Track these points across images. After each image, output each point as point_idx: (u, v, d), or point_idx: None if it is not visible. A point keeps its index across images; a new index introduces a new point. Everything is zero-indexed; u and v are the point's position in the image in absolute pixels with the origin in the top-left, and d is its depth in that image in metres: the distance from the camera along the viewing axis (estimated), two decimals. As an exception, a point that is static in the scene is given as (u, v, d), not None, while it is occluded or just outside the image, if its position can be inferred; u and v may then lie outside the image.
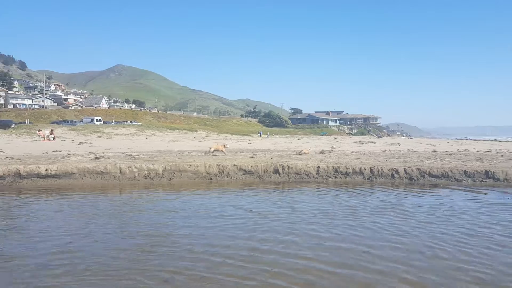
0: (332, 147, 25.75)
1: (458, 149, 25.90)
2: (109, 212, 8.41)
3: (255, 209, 8.60)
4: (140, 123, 72.67)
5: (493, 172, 12.94)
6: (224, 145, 19.51)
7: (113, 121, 74.52)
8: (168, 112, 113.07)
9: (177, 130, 69.99)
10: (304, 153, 18.11)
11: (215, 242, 6.18)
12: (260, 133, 79.75)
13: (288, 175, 13.44)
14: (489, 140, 74.32)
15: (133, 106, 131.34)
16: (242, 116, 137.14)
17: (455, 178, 12.88)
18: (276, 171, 13.59)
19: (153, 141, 38.28)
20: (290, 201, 9.65)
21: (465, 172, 13.09)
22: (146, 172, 13.10)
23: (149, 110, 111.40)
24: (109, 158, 15.44)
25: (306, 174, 13.46)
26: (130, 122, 74.81)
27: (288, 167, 13.67)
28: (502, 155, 19.41)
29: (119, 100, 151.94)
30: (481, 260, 5.32)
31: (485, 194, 10.66)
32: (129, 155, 16.89)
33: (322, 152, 20.41)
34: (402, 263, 5.27)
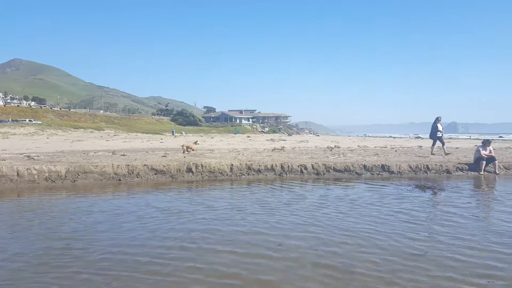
0: (245, 148, 26.27)
1: (358, 145, 28.07)
2: (6, 217, 7.68)
3: (167, 208, 8.48)
4: (41, 122, 67.21)
5: (388, 165, 14.27)
6: (195, 142, 20.59)
7: (10, 119, 68.08)
8: (72, 110, 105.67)
9: (82, 129, 65.96)
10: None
11: (122, 243, 5.99)
12: (173, 132, 78.23)
13: (201, 174, 13.44)
14: (385, 137, 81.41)
15: (33, 103, 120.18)
16: (153, 114, 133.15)
17: (356, 172, 13.97)
18: (189, 170, 13.51)
19: (55, 141, 35.63)
20: (203, 199, 9.67)
21: (364, 166, 14.25)
22: (47, 174, 12.16)
23: (51, 108, 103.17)
24: (4, 160, 14.07)
25: (220, 172, 13.57)
26: (29, 120, 68.93)
27: (202, 165, 13.67)
28: (396, 150, 21.46)
29: (17, 97, 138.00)
30: (387, 244, 5.87)
31: (384, 186, 11.71)
32: (28, 156, 15.54)
33: (235, 150, 20.73)
34: (315, 249, 5.61)
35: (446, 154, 17.76)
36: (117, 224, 7.21)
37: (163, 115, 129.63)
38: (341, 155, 17.76)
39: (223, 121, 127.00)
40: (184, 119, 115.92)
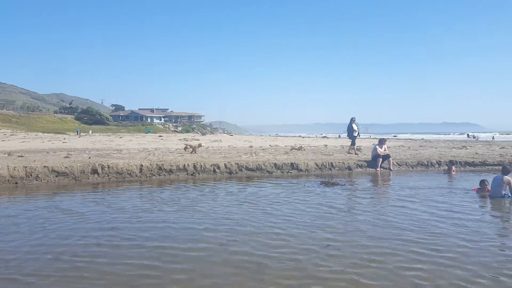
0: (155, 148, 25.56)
1: (270, 145, 28.92)
2: None
3: (67, 211, 7.95)
4: None
5: (297, 164, 14.93)
6: (200, 145, 19.68)
7: None
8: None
9: (-30, 128, 58.88)
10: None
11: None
12: (78, 131, 73.28)
13: (108, 175, 12.81)
14: (295, 136, 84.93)
15: None
16: (56, 112, 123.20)
17: (267, 171, 14.39)
18: (94, 171, 12.78)
19: None
20: (106, 201, 9.23)
21: (275, 164, 14.74)
22: None
23: None
24: None
25: (128, 173, 13.05)
26: None
27: (109, 166, 13.02)
28: (304, 149, 22.51)
29: None
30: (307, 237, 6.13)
31: (292, 183, 12.23)
32: None
33: (145, 150, 20.09)
34: (227, 243, 5.67)
35: (356, 154, 18.63)
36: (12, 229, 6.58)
37: (67, 113, 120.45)
38: (254, 154, 18.16)
39: (133, 120, 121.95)
40: (90, 117, 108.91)
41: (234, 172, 14.04)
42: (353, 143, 19.22)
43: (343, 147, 24.77)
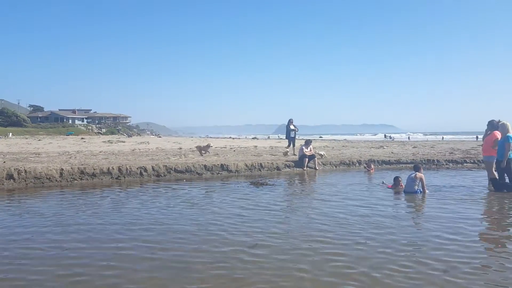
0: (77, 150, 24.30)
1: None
2: None
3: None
4: None
5: (227, 165, 15.05)
6: (208, 145, 19.04)
7: None
8: None
9: None
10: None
11: None
12: (-11, 134, 67.13)
13: (25, 180, 11.94)
14: (225, 137, 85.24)
15: None
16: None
17: (197, 172, 14.33)
18: (10, 176, 11.85)
19: None
20: (21, 209, 8.64)
21: (205, 166, 14.73)
22: None
23: None
24: None
25: (47, 178, 12.26)
26: None
27: (26, 171, 12.15)
28: (234, 150, 22.73)
29: None
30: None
31: (222, 184, 12.32)
32: None
33: (66, 153, 19.01)
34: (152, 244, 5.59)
35: (295, 154, 18.47)
36: None
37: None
38: (183, 156, 17.97)
39: (53, 122, 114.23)
40: (5, 119, 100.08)
41: (162, 175, 13.80)
42: (290, 144, 19.44)
43: (272, 148, 25.38)
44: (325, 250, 5.69)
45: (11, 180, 11.82)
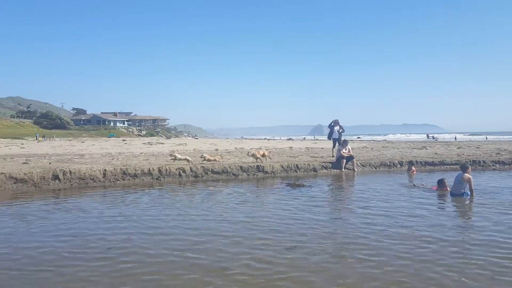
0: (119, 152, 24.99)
1: (235, 147, 28.93)
2: None
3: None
4: None
5: (263, 166, 15.02)
6: (267, 151, 17.21)
7: None
8: None
9: None
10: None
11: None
12: (37, 136, 70.66)
13: (70, 181, 12.41)
14: (260, 139, 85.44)
15: None
16: (12, 116, 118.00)
17: (233, 173, 14.40)
18: (56, 177, 12.36)
19: None
20: (71, 207, 8.97)
21: (241, 167, 14.77)
22: None
23: None
24: None
25: (91, 179, 12.70)
26: None
27: (71, 172, 12.63)
28: (269, 151, 22.67)
29: None
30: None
31: (257, 186, 12.32)
32: None
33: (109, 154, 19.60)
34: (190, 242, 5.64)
35: (333, 156, 17.76)
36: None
37: (25, 118, 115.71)
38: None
39: (95, 124, 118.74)
40: (49, 122, 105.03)
41: (200, 176, 13.96)
42: (335, 145, 18.49)
43: (308, 149, 25.15)
44: (366, 255, 5.53)
45: (57, 180, 12.32)
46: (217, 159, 15.24)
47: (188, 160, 15.00)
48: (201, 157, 15.37)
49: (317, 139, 74.32)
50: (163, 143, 41.32)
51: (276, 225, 7.18)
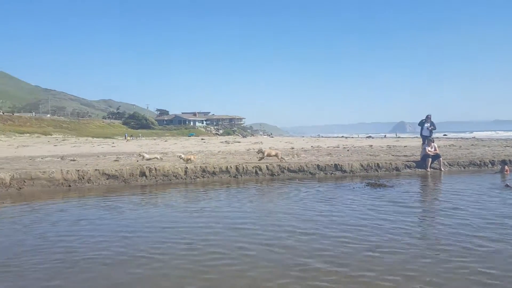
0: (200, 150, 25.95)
1: (312, 146, 28.65)
2: None
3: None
4: (-20, 128, 62.96)
5: (341, 165, 14.65)
6: (277, 151, 15.91)
7: None
8: (16, 114, 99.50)
9: (28, 134, 62.67)
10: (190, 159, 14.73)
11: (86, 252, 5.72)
12: (125, 135, 76.27)
13: (155, 178, 13.15)
14: (337, 137, 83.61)
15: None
16: (104, 117, 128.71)
17: (310, 172, 14.23)
18: (143, 174, 13.17)
19: (-4, 147, 33.49)
20: (159, 203, 9.48)
21: (318, 166, 14.55)
22: (-12, 183, 11.40)
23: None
24: None
25: (174, 176, 13.34)
26: (-34, 126, 64.29)
27: (156, 169, 13.37)
28: (348, 150, 22.11)
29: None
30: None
31: (336, 185, 12.03)
32: (-35, 164, 14.50)
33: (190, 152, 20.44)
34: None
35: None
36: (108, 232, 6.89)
37: (115, 119, 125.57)
38: (295, 155, 18.03)
39: (176, 124, 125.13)
40: (136, 122, 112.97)
41: (276, 174, 14.00)
42: (424, 142, 16.65)
43: (390, 147, 24.10)
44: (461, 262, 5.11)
45: (144, 177, 13.12)
46: (191, 158, 14.88)
47: (158, 158, 15.26)
48: (179, 157, 15.29)
49: (399, 137, 71.04)
50: (239, 142, 42.29)
51: (357, 224, 6.94)
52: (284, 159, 15.09)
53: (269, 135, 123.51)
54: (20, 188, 11.53)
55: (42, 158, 17.59)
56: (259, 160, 14.85)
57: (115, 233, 6.80)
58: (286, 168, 14.25)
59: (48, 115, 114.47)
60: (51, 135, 69.17)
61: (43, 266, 5.23)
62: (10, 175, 11.80)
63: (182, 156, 15.05)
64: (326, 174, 14.23)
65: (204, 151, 23.83)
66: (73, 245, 6.15)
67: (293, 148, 25.46)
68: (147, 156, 15.30)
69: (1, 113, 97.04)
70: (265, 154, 14.87)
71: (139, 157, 15.96)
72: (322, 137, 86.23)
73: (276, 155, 15.05)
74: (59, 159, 17.09)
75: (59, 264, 5.32)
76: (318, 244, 5.93)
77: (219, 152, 22.04)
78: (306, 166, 14.50)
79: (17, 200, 10.20)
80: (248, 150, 23.69)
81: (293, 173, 14.11)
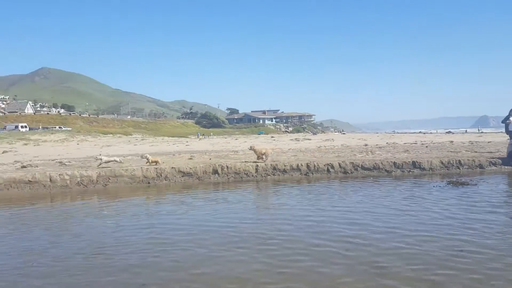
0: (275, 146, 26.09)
1: (387, 142, 27.51)
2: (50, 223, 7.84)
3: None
4: (70, 129, 68.99)
5: (420, 162, 13.84)
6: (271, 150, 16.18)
7: (40, 127, 70.20)
8: (100, 116, 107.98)
9: (111, 135, 67.39)
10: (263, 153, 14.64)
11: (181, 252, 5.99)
12: (198, 134, 79.26)
13: (227, 175, 13.42)
14: (415, 132, 79.59)
15: (62, 110, 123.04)
16: (178, 118, 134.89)
17: (385, 170, 13.62)
18: (215, 171, 13.52)
19: (85, 146, 36.50)
20: (232, 199, 9.65)
21: (394, 163, 13.89)
22: (79, 179, 12.43)
23: (80, 115, 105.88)
24: (37, 166, 14.48)
25: (245, 173, 13.53)
26: (59, 127, 70.79)
27: (227, 167, 13.65)
28: (426, 146, 20.89)
29: (46, 105, 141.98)
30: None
31: (415, 183, 11.39)
32: (60, 162, 15.95)
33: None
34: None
35: None
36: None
37: (188, 118, 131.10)
38: (369, 152, 17.40)
39: (246, 122, 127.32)
40: (208, 121, 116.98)
41: (349, 172, 13.60)
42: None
43: (472, 143, 22.40)
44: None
45: (216, 174, 13.46)
46: (158, 160, 14.21)
47: (116, 161, 14.38)
48: (145, 157, 14.45)
49: (482, 132, 65.88)
50: (310, 139, 41.88)
51: (439, 224, 6.50)
52: (266, 159, 14.43)
53: (340, 132, 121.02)
54: (105, 184, 12.41)
55: (124, 157, 18.78)
56: (257, 159, 14.50)
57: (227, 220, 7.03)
58: (360, 166, 13.77)
59: (129, 117, 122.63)
60: (131, 135, 73.90)
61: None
62: (96, 172, 12.76)
63: (149, 157, 14.27)
64: (403, 172, 13.54)
65: (274, 149, 23.89)
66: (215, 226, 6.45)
67: (366, 145, 24.62)
68: (105, 158, 14.46)
69: (87, 115, 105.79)
70: (258, 152, 14.55)
71: (96, 161, 14.28)
72: (398, 133, 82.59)
73: (264, 154, 14.54)
74: (139, 157, 18.11)
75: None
76: (397, 243, 5.64)
77: (289, 149, 21.98)
78: (382, 163, 13.91)
79: (103, 195, 10.98)
80: (319, 147, 23.36)
81: (367, 171, 13.61)
